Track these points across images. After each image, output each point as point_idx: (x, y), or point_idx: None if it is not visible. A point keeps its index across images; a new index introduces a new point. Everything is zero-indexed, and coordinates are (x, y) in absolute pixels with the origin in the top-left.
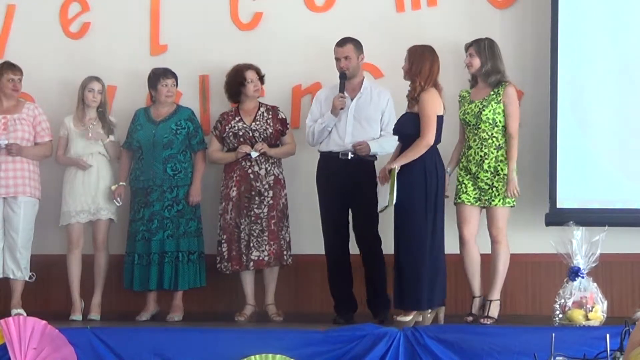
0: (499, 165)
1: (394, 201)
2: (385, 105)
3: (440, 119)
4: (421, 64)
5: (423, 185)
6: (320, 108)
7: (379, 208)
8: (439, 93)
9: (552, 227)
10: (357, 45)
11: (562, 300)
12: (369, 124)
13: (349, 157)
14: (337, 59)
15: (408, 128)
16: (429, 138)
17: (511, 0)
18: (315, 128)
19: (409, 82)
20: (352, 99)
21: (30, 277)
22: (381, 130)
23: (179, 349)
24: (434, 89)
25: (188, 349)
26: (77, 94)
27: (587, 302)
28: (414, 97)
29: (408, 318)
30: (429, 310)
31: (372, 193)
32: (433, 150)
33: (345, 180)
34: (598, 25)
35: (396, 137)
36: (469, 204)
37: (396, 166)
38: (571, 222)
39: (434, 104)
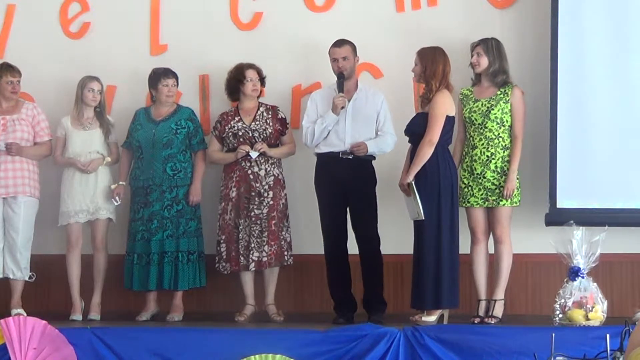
0: (505, 165)
1: (422, 214)
2: (380, 106)
3: (450, 119)
4: (434, 66)
5: (437, 185)
6: (316, 109)
7: (411, 217)
8: (450, 93)
9: (552, 227)
10: (353, 46)
11: (562, 300)
12: (366, 124)
13: (351, 157)
14: (335, 60)
15: (420, 127)
16: (432, 136)
17: (511, 0)
18: (316, 129)
19: (422, 84)
20: (348, 100)
21: (30, 277)
22: (377, 131)
23: (179, 349)
24: (447, 90)
25: (188, 349)
26: (75, 93)
27: (587, 302)
28: (428, 99)
29: (433, 318)
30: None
31: (371, 193)
32: (445, 152)
33: (345, 180)
34: (598, 25)
35: (393, 137)
36: (478, 206)
37: (412, 180)
38: (571, 222)
39: (444, 105)
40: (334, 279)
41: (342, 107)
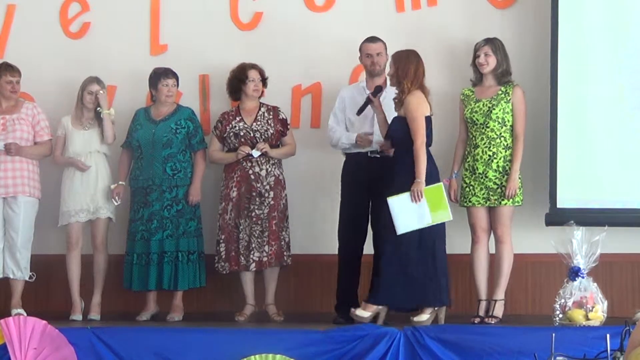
0: (507, 164)
1: (450, 215)
2: None
3: (428, 120)
4: (406, 66)
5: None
6: (344, 109)
7: (400, 231)
8: (425, 95)
9: (552, 227)
10: (385, 44)
11: (563, 300)
12: None
13: (379, 156)
14: (369, 55)
15: (397, 132)
16: (421, 138)
17: (511, 0)
18: (341, 142)
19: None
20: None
21: (30, 277)
22: None
23: (179, 349)
24: (420, 91)
25: (188, 349)
26: (77, 94)
27: (587, 302)
28: (400, 100)
29: (425, 317)
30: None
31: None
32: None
33: (371, 179)
34: (598, 24)
35: None
36: (480, 205)
37: (423, 186)
38: (571, 222)
39: (419, 106)
40: (345, 278)
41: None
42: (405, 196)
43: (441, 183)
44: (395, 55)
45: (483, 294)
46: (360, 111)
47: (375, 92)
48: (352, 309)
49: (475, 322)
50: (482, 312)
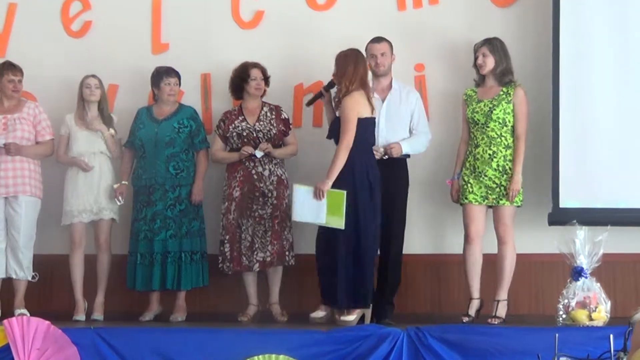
0: (507, 164)
1: (343, 224)
2: (415, 105)
3: (366, 120)
4: (345, 66)
5: (352, 184)
6: None
7: (296, 217)
8: (367, 94)
9: (555, 227)
10: (390, 44)
11: (566, 301)
12: (399, 125)
13: (385, 158)
14: (373, 56)
15: (336, 132)
16: (347, 141)
17: None
18: None
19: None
20: (382, 100)
21: (33, 277)
22: (412, 130)
23: (182, 349)
24: (359, 92)
25: (191, 349)
26: (77, 93)
27: (590, 302)
28: (340, 100)
29: (354, 317)
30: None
31: (402, 193)
32: (364, 153)
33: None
34: (600, 23)
35: (428, 136)
36: (477, 203)
37: (327, 187)
38: (574, 221)
39: (353, 108)
40: None
41: None
42: (310, 189)
43: (344, 191)
44: (336, 56)
45: (475, 293)
46: (309, 103)
47: (328, 86)
48: (337, 316)
49: (465, 320)
50: (472, 311)
